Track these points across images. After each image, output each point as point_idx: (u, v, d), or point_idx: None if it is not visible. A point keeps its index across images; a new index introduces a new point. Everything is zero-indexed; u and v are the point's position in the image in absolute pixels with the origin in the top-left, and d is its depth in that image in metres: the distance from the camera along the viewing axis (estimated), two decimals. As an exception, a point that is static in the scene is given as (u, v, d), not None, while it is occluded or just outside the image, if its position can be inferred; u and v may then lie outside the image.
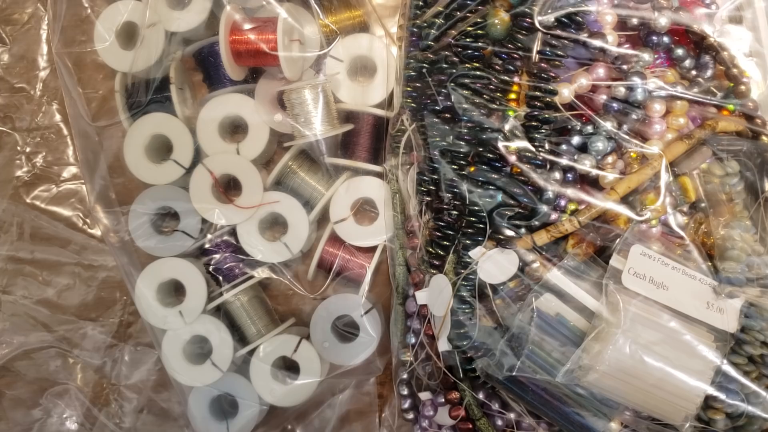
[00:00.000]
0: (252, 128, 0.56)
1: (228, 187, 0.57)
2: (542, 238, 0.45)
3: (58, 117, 0.62)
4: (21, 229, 0.62)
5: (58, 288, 0.61)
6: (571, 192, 0.45)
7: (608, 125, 0.45)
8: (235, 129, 0.59)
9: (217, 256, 0.57)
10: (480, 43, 0.47)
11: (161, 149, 0.57)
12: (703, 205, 0.47)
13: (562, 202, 0.46)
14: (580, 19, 0.45)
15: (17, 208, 0.61)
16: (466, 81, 0.47)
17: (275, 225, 0.59)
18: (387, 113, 0.55)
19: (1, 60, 0.62)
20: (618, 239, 0.45)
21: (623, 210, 0.45)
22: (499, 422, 0.48)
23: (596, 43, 0.45)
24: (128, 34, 0.57)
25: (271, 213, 0.56)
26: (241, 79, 0.56)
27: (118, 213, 0.58)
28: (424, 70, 0.49)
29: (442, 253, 0.48)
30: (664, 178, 0.44)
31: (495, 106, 0.46)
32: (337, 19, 0.57)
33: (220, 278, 0.58)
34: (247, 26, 0.53)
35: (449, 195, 0.48)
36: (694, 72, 0.47)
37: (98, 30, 0.56)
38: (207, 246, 0.57)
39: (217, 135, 0.56)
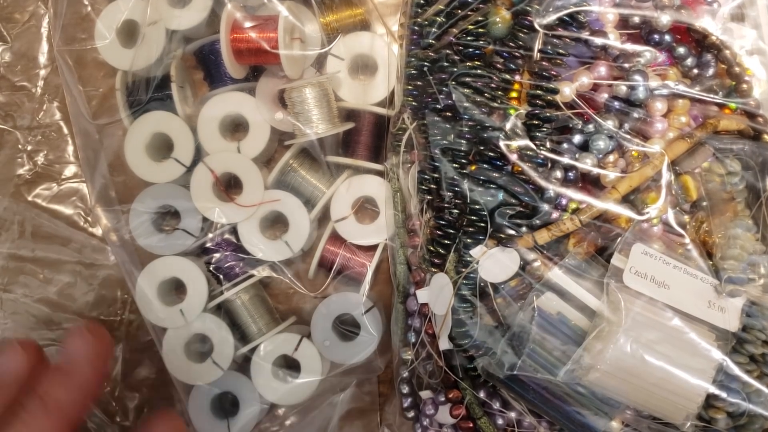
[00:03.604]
0: (253, 126, 0.56)
1: (229, 186, 0.57)
2: (543, 236, 0.45)
3: (59, 115, 0.62)
4: (22, 227, 0.61)
5: (59, 286, 0.61)
6: (572, 191, 0.45)
7: (610, 124, 0.45)
8: (236, 127, 0.59)
9: (217, 254, 0.57)
10: (481, 42, 0.47)
11: (162, 147, 0.57)
12: (704, 204, 0.47)
13: (563, 201, 0.46)
14: (582, 18, 0.45)
15: (18, 206, 0.61)
16: (468, 79, 0.47)
17: (276, 223, 0.59)
18: (388, 112, 0.55)
19: (1, 58, 0.62)
20: (619, 238, 0.44)
21: (624, 210, 0.44)
22: (500, 421, 0.48)
23: (598, 41, 0.45)
24: (129, 32, 0.57)
25: (271, 211, 0.56)
26: (242, 77, 0.56)
27: (119, 211, 0.58)
28: (425, 69, 0.49)
29: (443, 251, 0.48)
30: (666, 176, 0.44)
31: (496, 104, 0.46)
32: (338, 18, 0.57)
33: (221, 277, 0.58)
34: (247, 24, 0.53)
35: (450, 194, 0.48)
36: (695, 70, 0.46)
37: (98, 28, 0.56)
38: (208, 245, 0.57)
39: (217, 133, 0.56)
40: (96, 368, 0.44)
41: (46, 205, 0.61)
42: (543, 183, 0.45)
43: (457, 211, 0.48)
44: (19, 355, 0.44)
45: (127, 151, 0.56)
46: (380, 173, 0.56)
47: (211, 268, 0.57)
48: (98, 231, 0.61)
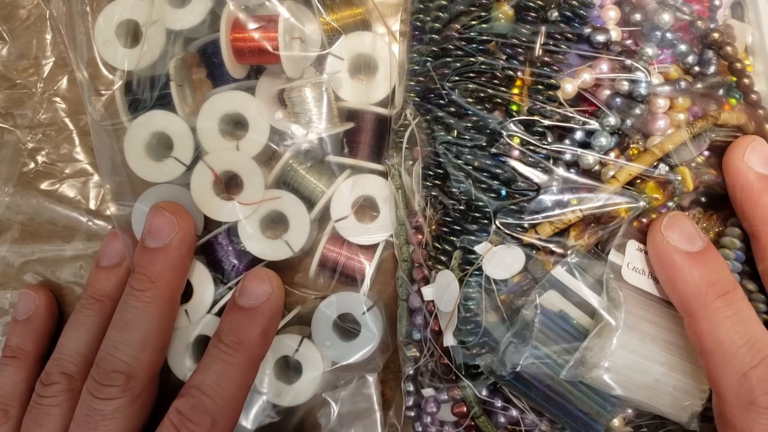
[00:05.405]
0: (253, 126, 0.56)
1: (229, 185, 0.57)
2: (546, 230, 0.45)
3: (60, 113, 0.62)
4: (24, 225, 0.62)
5: (62, 283, 0.61)
6: (573, 185, 0.45)
7: (611, 120, 0.45)
8: (235, 126, 0.59)
9: (217, 254, 0.57)
10: (484, 37, 0.47)
11: (162, 147, 0.57)
12: (703, 200, 0.47)
13: (565, 197, 0.46)
14: (584, 13, 0.45)
15: (20, 205, 0.61)
16: (470, 75, 0.47)
17: (276, 223, 0.59)
18: (390, 111, 0.55)
19: (0, 57, 0.62)
20: (620, 231, 0.45)
21: (624, 199, 0.45)
22: (502, 419, 0.48)
23: (600, 38, 0.45)
24: (129, 32, 0.57)
25: (272, 211, 0.56)
26: (242, 76, 0.56)
27: (129, 209, 0.57)
28: (427, 64, 0.49)
29: (448, 248, 0.48)
30: (664, 167, 0.45)
31: (499, 100, 0.46)
32: (339, 17, 0.57)
33: (221, 276, 0.57)
34: (248, 25, 0.53)
35: (454, 190, 0.48)
36: (697, 68, 0.47)
37: (99, 27, 0.56)
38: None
39: (217, 132, 0.56)
40: (188, 245, 0.53)
41: (47, 203, 0.61)
42: (545, 178, 0.45)
43: (461, 208, 0.48)
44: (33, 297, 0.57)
45: (127, 150, 0.55)
46: (382, 172, 0.56)
47: (210, 269, 0.57)
48: (101, 230, 0.61)
